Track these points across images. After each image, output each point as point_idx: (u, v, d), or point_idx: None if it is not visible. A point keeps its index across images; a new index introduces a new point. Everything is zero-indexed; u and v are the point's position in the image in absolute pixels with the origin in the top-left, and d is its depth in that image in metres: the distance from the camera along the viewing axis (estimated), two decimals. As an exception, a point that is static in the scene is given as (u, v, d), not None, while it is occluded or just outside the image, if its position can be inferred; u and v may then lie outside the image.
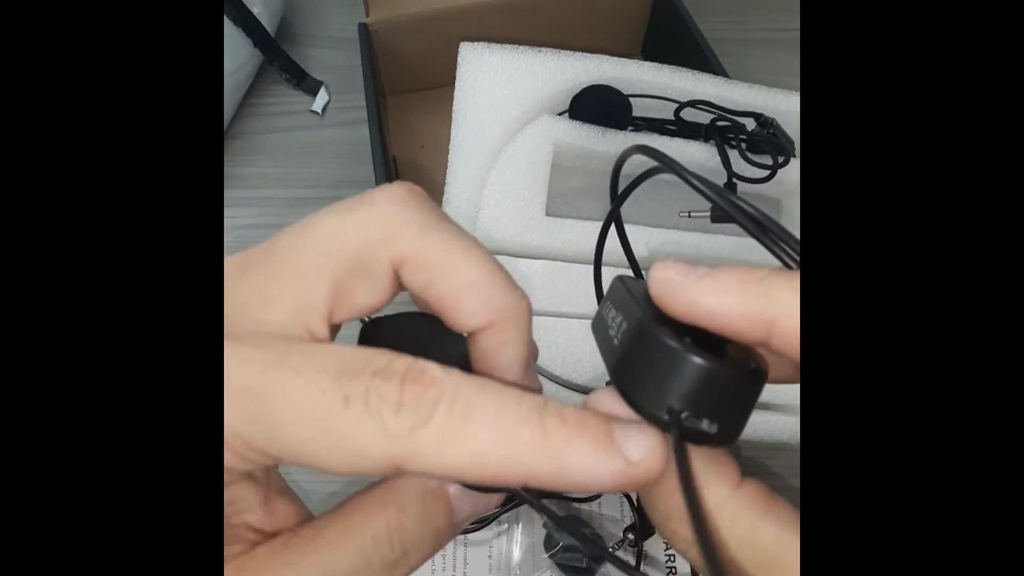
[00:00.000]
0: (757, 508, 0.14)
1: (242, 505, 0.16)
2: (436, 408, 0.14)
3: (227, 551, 0.15)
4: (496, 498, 0.17)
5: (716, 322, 0.15)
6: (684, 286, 0.15)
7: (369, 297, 0.16)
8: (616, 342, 0.16)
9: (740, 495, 0.15)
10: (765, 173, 0.38)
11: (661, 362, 0.14)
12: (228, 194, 0.54)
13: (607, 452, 0.14)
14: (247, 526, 0.16)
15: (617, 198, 0.22)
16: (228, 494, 0.15)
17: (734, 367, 0.14)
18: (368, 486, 0.16)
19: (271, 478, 0.17)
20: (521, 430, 0.14)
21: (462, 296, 0.16)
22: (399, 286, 0.17)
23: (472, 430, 0.14)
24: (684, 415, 0.14)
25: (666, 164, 0.18)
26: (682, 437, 0.14)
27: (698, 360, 0.14)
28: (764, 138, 0.41)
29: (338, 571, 0.15)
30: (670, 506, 0.15)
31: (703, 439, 0.14)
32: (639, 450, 0.14)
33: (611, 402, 0.16)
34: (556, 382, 0.38)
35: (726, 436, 0.14)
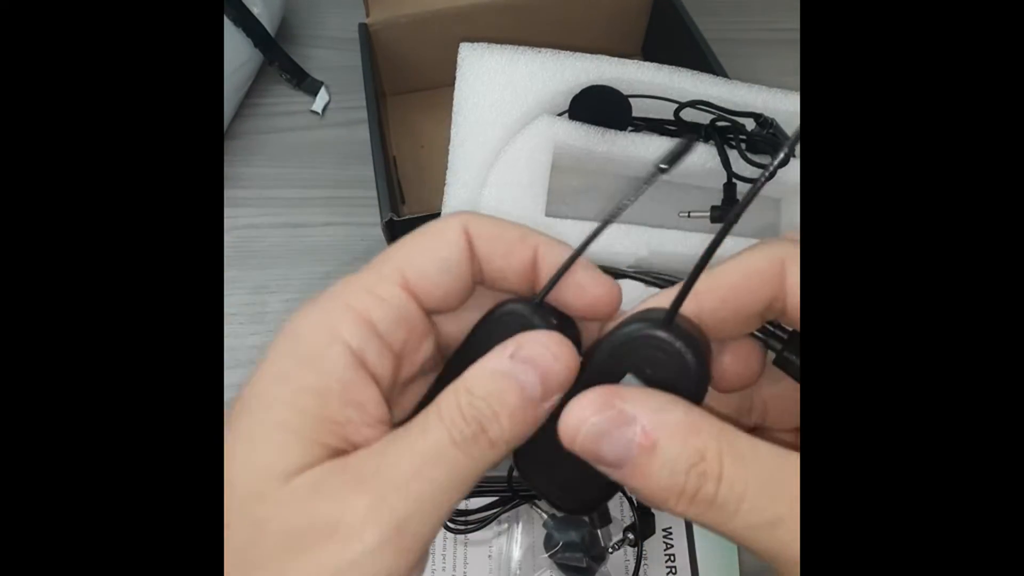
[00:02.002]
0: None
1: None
2: None
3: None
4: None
5: None
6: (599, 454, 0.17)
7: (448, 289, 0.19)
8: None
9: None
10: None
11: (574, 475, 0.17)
12: (228, 194, 0.54)
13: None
14: None
15: (581, 247, 0.22)
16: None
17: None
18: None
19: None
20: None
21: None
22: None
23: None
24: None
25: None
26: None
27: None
28: (764, 138, 0.41)
29: (432, 451, 0.16)
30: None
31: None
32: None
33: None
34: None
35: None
